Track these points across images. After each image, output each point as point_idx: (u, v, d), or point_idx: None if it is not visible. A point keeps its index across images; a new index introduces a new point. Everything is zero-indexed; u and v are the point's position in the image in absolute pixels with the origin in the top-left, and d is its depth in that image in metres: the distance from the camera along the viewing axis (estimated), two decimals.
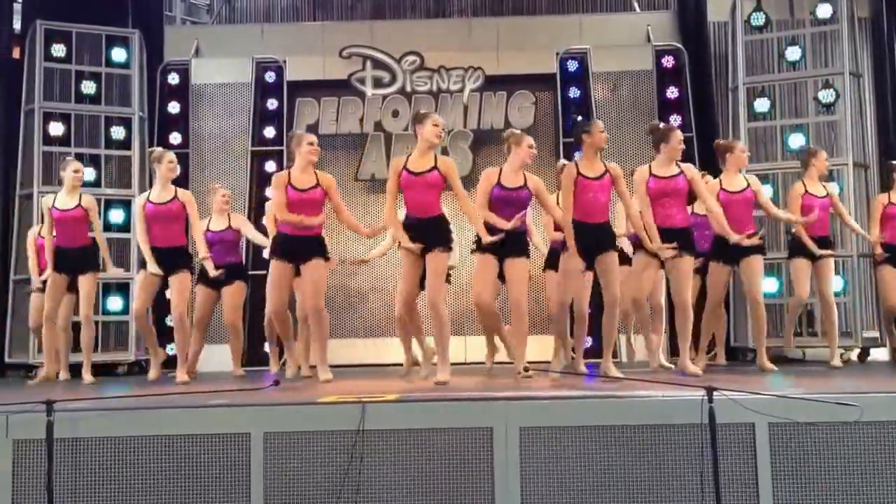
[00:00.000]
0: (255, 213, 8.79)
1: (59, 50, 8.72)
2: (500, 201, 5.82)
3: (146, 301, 6.58)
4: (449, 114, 9.13)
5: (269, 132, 9.33)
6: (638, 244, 6.16)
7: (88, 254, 6.92)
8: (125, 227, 8.46)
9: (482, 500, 4.23)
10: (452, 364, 5.71)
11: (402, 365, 6.91)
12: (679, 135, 6.15)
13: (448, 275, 6.45)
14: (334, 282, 8.57)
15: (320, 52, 9.50)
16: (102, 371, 7.79)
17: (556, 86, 9.25)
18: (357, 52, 9.46)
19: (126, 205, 8.56)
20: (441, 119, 5.78)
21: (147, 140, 9.00)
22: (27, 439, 4.26)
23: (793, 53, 8.65)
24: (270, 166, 9.18)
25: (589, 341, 7.04)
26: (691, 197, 6.30)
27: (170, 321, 6.81)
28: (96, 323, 7.50)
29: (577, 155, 6.72)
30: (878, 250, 7.19)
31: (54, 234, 6.84)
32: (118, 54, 8.91)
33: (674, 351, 7.05)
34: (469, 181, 7.60)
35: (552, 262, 6.77)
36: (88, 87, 8.79)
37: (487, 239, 5.58)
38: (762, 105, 8.67)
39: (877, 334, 8.36)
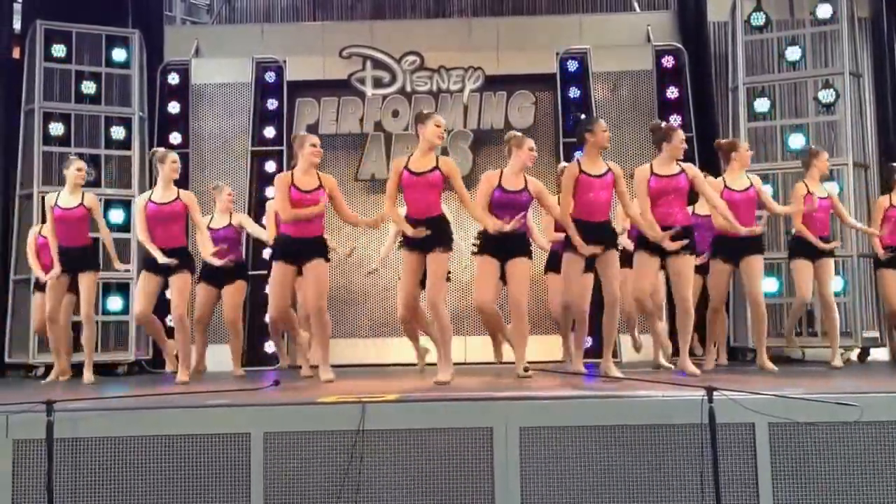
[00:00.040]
0: (255, 212, 8.78)
1: (59, 50, 8.72)
2: (501, 204, 5.81)
3: (149, 303, 6.52)
4: (449, 114, 9.12)
5: (269, 132, 9.32)
6: (640, 237, 6.12)
7: (89, 253, 6.93)
8: (125, 227, 8.46)
9: (482, 500, 4.23)
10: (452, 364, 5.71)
11: (402, 365, 6.92)
12: (681, 134, 6.15)
13: (448, 274, 6.46)
14: (335, 282, 8.56)
15: (320, 52, 9.50)
16: (102, 371, 7.79)
17: (556, 86, 9.24)
18: (357, 52, 9.45)
19: (126, 205, 8.55)
20: (443, 120, 5.79)
21: (147, 140, 9.01)
22: (27, 439, 4.27)
23: (793, 53, 8.64)
24: (270, 166, 9.18)
25: (589, 341, 7.05)
26: (691, 198, 6.30)
27: (170, 321, 6.81)
28: (96, 323, 7.49)
29: (577, 155, 6.73)
30: (880, 249, 7.18)
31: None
32: (118, 54, 8.90)
33: (674, 351, 7.05)
34: (469, 181, 7.59)
35: (553, 264, 6.77)
36: (88, 87, 8.78)
37: (494, 227, 5.57)
38: (762, 105, 8.66)
39: (877, 334, 8.36)
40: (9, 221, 8.60)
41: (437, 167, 5.62)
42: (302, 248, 5.96)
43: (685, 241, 5.90)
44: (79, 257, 6.79)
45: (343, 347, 8.49)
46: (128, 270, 7.61)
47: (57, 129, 8.59)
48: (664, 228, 5.92)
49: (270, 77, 9.43)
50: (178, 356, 6.59)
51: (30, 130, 8.58)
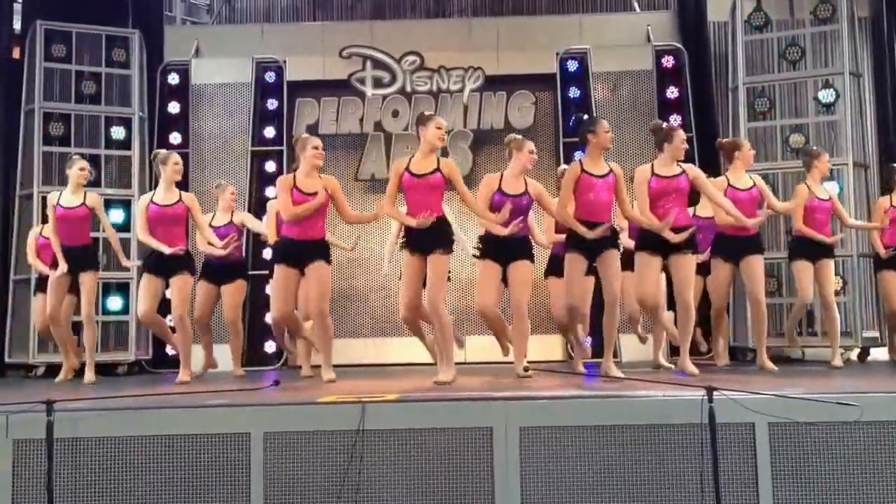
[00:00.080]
0: (255, 212, 8.77)
1: (59, 50, 8.72)
2: (501, 208, 5.80)
3: (153, 303, 6.50)
4: (449, 114, 9.12)
5: (269, 132, 9.32)
6: (641, 238, 6.10)
7: (89, 253, 6.93)
8: (125, 227, 8.45)
9: (482, 500, 4.23)
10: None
11: (402, 365, 6.91)
12: (682, 134, 6.13)
13: (448, 274, 6.45)
14: (335, 282, 8.56)
15: (320, 52, 9.50)
16: (102, 371, 7.77)
17: (556, 86, 9.24)
18: (357, 52, 9.45)
19: (126, 205, 8.56)
20: (444, 122, 5.79)
21: (147, 140, 9.01)
22: (27, 439, 4.27)
23: (793, 53, 8.65)
24: (270, 166, 9.19)
25: (589, 341, 7.05)
26: (692, 199, 6.30)
27: (170, 321, 6.82)
28: (96, 323, 7.49)
29: (577, 155, 6.72)
30: (881, 248, 7.18)
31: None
32: (118, 54, 8.90)
33: (674, 351, 7.06)
34: (469, 181, 7.59)
35: (554, 267, 6.76)
36: (88, 88, 8.79)
37: (497, 224, 5.56)
38: (762, 105, 8.67)
39: (877, 334, 8.36)
40: (9, 221, 8.60)
41: (438, 169, 5.62)
42: (304, 250, 5.95)
43: (688, 233, 5.86)
44: (79, 257, 6.78)
45: (342, 347, 8.48)
46: (131, 269, 7.61)
47: (57, 129, 8.59)
48: None
49: (270, 77, 9.43)
50: (180, 357, 6.60)
51: (30, 130, 8.58)
